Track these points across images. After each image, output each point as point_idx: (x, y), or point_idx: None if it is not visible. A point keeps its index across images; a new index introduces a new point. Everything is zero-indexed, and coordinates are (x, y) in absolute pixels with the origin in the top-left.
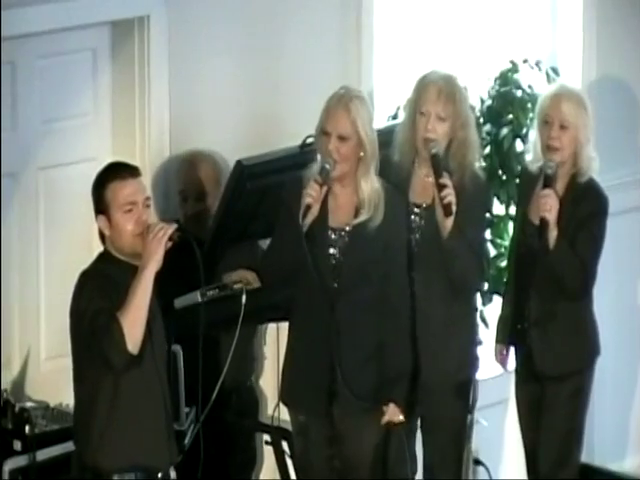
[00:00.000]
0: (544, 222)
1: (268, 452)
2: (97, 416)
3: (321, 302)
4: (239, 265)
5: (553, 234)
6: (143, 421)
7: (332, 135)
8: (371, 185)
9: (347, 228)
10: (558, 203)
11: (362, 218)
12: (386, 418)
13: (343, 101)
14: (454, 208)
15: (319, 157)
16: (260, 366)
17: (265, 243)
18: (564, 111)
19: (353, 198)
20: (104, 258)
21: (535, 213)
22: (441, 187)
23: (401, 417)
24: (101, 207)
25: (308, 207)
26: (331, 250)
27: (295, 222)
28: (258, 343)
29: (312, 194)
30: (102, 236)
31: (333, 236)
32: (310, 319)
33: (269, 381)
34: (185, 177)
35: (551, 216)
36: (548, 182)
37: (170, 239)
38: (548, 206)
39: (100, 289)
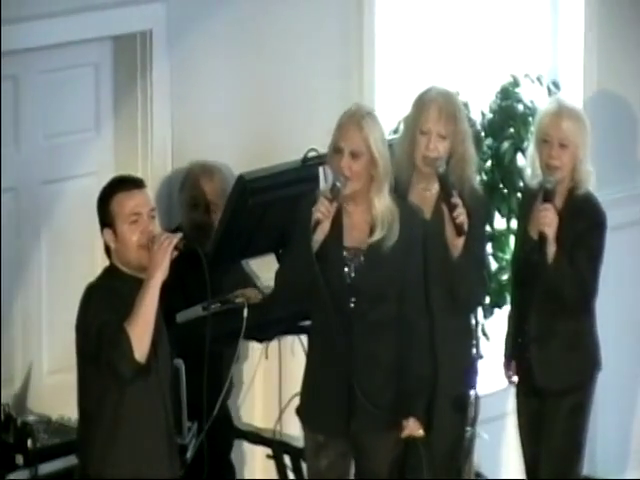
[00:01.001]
0: (543, 236)
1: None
2: (101, 429)
3: (338, 322)
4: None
5: (552, 249)
6: (146, 434)
7: (344, 152)
8: (385, 203)
9: (362, 247)
10: (557, 218)
11: (377, 237)
12: (406, 432)
13: (355, 118)
14: (466, 227)
15: (331, 176)
16: (256, 380)
17: (267, 259)
18: (564, 130)
19: (367, 217)
20: (110, 272)
21: (534, 228)
22: (453, 207)
23: (421, 431)
24: (107, 220)
25: (317, 222)
26: (346, 269)
27: (306, 239)
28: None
29: (321, 209)
30: (108, 250)
31: (348, 255)
32: (328, 338)
33: (270, 395)
34: (199, 185)
35: (550, 230)
36: (548, 196)
37: (176, 248)
38: (548, 220)
39: (107, 302)
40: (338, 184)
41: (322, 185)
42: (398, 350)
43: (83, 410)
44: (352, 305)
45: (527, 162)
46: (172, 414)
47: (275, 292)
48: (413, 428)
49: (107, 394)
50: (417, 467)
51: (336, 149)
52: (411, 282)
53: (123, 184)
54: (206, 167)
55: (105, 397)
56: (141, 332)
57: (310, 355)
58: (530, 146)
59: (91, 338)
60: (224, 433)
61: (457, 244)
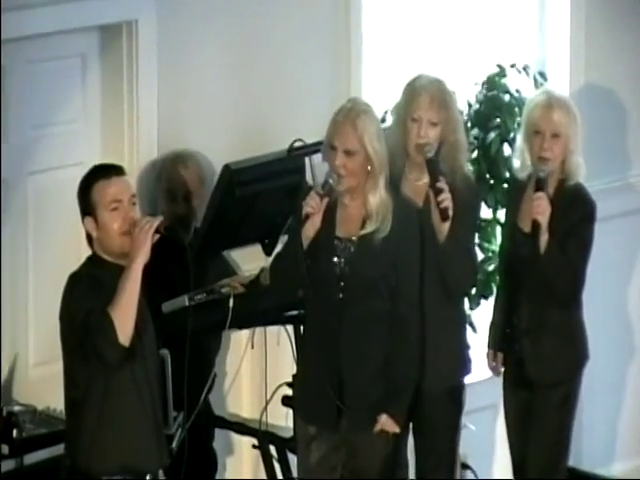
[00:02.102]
0: (536, 224)
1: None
2: (87, 419)
3: (328, 313)
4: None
5: (544, 237)
6: (133, 424)
7: (338, 150)
8: (379, 198)
9: (353, 238)
10: (550, 206)
11: (368, 229)
12: (377, 427)
13: (350, 116)
14: (451, 212)
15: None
16: (242, 370)
17: (250, 249)
18: (555, 121)
19: (362, 210)
20: (92, 261)
21: (524, 220)
22: (438, 191)
23: (395, 428)
24: (88, 209)
25: (307, 217)
26: (335, 259)
27: (299, 233)
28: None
29: (311, 203)
30: (89, 239)
31: (339, 245)
32: (318, 329)
33: (256, 385)
34: (174, 175)
35: (543, 219)
36: (540, 185)
37: (157, 231)
38: (541, 208)
39: (90, 290)
40: (330, 181)
41: (308, 175)
42: (387, 347)
43: (69, 400)
44: (341, 296)
45: (516, 154)
46: (160, 403)
47: (270, 283)
48: (386, 424)
49: (93, 383)
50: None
51: (331, 146)
52: (404, 279)
53: (103, 172)
54: (179, 156)
55: (91, 386)
56: (124, 315)
57: (304, 346)
58: (518, 138)
59: (76, 327)
60: (204, 422)
61: (442, 229)
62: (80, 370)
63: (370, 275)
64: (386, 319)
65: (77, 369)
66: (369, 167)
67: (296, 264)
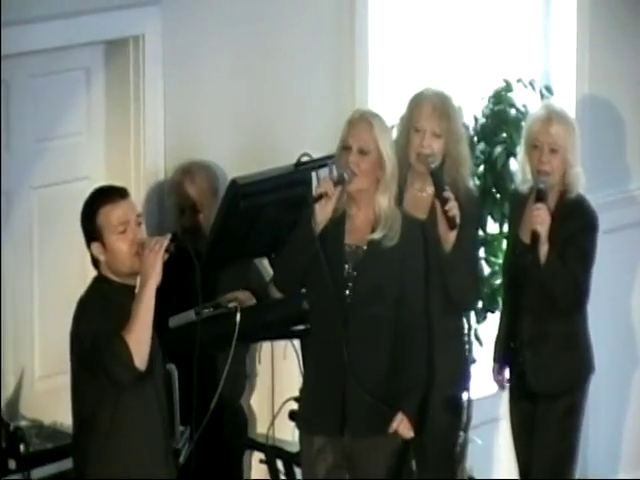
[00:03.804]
0: (535, 235)
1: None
2: (96, 434)
3: (335, 317)
4: (234, 285)
5: (544, 248)
6: (141, 439)
7: (353, 149)
8: (389, 204)
9: (362, 245)
10: (550, 217)
11: (378, 235)
12: (394, 426)
13: (365, 116)
14: (458, 221)
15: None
16: (252, 385)
17: (261, 262)
18: (553, 135)
19: (370, 218)
20: (100, 282)
21: (525, 232)
22: (444, 201)
23: (411, 434)
24: (94, 234)
25: (320, 196)
26: (345, 265)
27: (310, 223)
28: (251, 362)
29: (324, 185)
30: (94, 262)
31: (349, 251)
32: (324, 338)
33: (263, 400)
34: (181, 190)
35: (543, 229)
36: (541, 196)
37: (166, 250)
38: (540, 219)
39: (100, 311)
40: (345, 175)
41: (314, 190)
42: (392, 354)
43: (78, 415)
44: (349, 300)
45: (518, 167)
46: (168, 418)
47: (274, 276)
48: (400, 424)
49: (103, 401)
50: (408, 470)
51: (345, 146)
52: (410, 288)
53: (106, 195)
54: (187, 170)
55: (100, 404)
56: (140, 338)
57: (307, 360)
58: (520, 151)
59: (86, 348)
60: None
61: (449, 238)
62: (89, 387)
63: (377, 280)
64: (389, 326)
65: (86, 386)
66: (380, 172)
67: (301, 252)
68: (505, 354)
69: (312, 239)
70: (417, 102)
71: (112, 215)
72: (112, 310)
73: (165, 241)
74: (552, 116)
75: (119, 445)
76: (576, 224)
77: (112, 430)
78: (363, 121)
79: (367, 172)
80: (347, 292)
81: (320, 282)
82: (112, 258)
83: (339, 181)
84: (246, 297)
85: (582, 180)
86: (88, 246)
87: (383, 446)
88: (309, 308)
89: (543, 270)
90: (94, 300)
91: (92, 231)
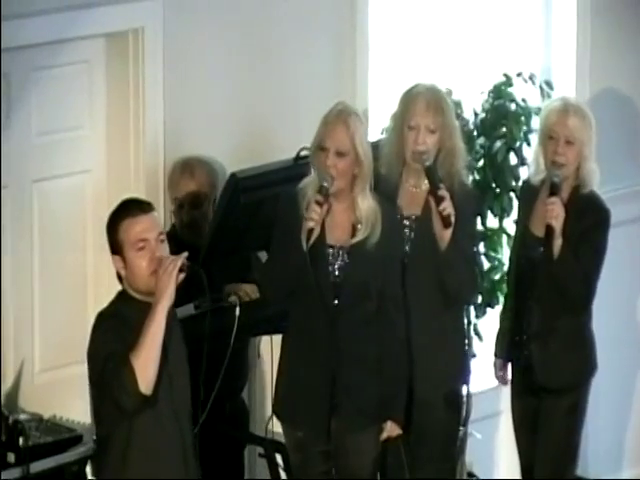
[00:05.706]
0: (550, 229)
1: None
2: (111, 457)
3: (321, 319)
4: (236, 277)
5: (558, 242)
6: (157, 463)
7: (330, 151)
8: (368, 203)
9: (345, 246)
10: (564, 211)
11: (360, 237)
12: (385, 435)
13: (342, 117)
14: (453, 219)
15: (313, 172)
16: (252, 379)
17: (260, 255)
18: (570, 127)
19: (350, 215)
20: (122, 297)
21: (537, 224)
22: (439, 199)
23: (399, 430)
24: (115, 247)
25: (311, 230)
26: (330, 268)
27: (292, 238)
28: (252, 355)
29: (314, 217)
30: (119, 276)
31: (332, 254)
32: (310, 336)
33: (262, 393)
34: (179, 185)
35: (557, 223)
36: (555, 190)
37: (181, 270)
38: (555, 213)
39: (114, 331)
40: (325, 184)
41: (304, 181)
42: (380, 347)
43: (97, 435)
44: (335, 302)
45: (532, 158)
46: (190, 431)
47: (260, 287)
48: (391, 430)
49: (117, 423)
50: (398, 467)
51: (321, 147)
52: (390, 279)
53: (129, 209)
54: (186, 165)
55: (115, 425)
56: (146, 362)
57: (288, 352)
58: (535, 142)
59: (97, 369)
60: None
61: (444, 236)
62: (103, 408)
63: (364, 280)
64: (376, 319)
65: (101, 407)
66: (357, 169)
67: (292, 275)
68: (509, 348)
69: (303, 258)
70: (409, 99)
71: (131, 230)
72: (127, 330)
73: (179, 261)
74: (569, 108)
75: (133, 470)
76: (589, 220)
77: (127, 454)
78: (340, 122)
79: (345, 172)
80: (334, 295)
81: (306, 288)
82: (131, 274)
83: (324, 196)
84: (252, 290)
85: (597, 177)
86: (113, 258)
87: (371, 437)
88: (292, 308)
89: (556, 264)
90: (111, 318)
91: (114, 244)
